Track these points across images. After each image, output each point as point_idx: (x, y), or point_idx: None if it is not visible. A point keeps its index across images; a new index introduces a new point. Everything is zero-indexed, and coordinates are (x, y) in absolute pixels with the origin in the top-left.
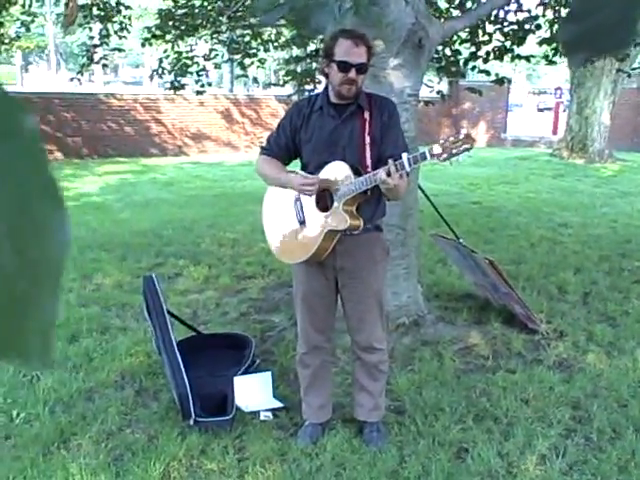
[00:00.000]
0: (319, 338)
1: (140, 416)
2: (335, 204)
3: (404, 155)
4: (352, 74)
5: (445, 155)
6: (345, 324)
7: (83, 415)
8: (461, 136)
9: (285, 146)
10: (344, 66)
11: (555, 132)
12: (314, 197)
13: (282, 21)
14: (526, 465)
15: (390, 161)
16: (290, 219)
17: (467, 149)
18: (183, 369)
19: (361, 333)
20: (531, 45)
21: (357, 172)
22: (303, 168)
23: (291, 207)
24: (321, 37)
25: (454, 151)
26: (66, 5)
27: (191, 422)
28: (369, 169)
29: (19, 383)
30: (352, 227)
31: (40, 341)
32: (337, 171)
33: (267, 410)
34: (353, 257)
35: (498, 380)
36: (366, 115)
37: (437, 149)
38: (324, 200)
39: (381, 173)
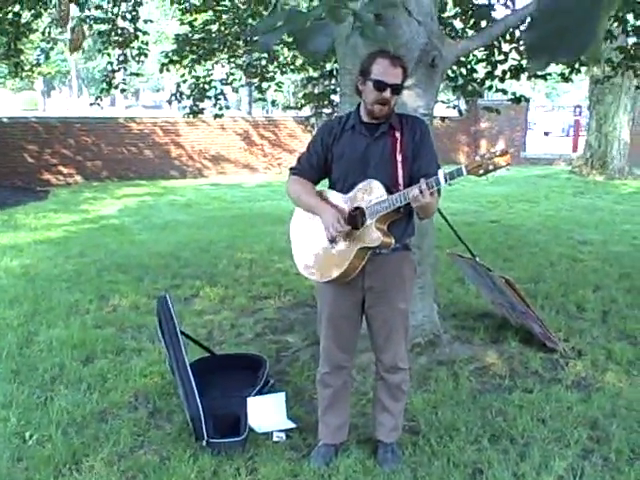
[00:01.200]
0: (343, 357)
1: (153, 437)
2: (368, 221)
3: (440, 171)
4: (387, 94)
5: (481, 171)
6: (362, 344)
7: (96, 436)
8: (497, 152)
9: (317, 165)
10: (380, 85)
11: (575, 149)
12: (345, 214)
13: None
14: None
15: (422, 179)
16: (320, 237)
17: (504, 165)
18: (196, 390)
19: (387, 352)
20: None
21: (389, 190)
22: (332, 186)
23: (321, 225)
24: (335, 59)
25: (490, 167)
26: (72, 30)
27: (204, 443)
28: (401, 187)
29: (33, 404)
30: (384, 245)
31: None
32: (370, 189)
33: (280, 431)
34: (382, 276)
35: (515, 399)
36: (397, 134)
37: (474, 165)
38: (355, 217)
39: (414, 190)
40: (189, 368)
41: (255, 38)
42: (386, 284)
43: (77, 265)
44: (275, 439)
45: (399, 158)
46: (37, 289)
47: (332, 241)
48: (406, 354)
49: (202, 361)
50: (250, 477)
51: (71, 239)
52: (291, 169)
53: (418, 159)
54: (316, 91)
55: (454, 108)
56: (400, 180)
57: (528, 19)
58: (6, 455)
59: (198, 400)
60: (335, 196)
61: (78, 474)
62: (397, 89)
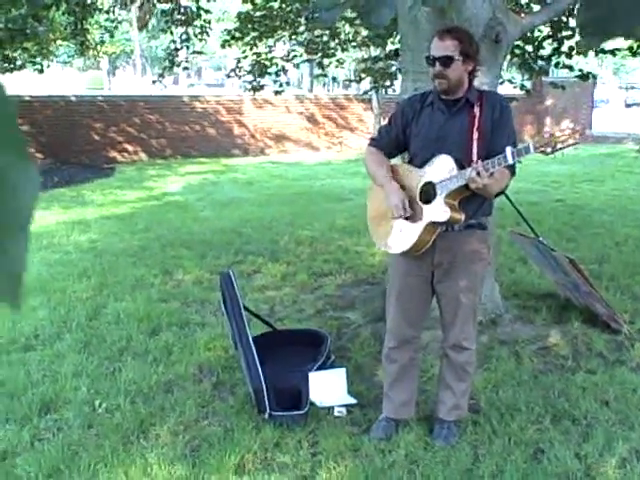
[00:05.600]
0: (410, 332)
1: (217, 409)
2: (437, 197)
3: (508, 148)
4: (437, 68)
5: (549, 149)
6: (426, 321)
7: (162, 406)
8: (567, 130)
9: (395, 138)
10: (430, 60)
11: None
12: (418, 188)
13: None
14: (605, 468)
15: (479, 161)
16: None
17: (573, 143)
18: (258, 364)
19: (452, 330)
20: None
21: (462, 166)
22: (410, 161)
23: None
24: (398, 37)
25: (559, 145)
26: (139, 9)
27: (266, 416)
28: (474, 164)
29: (102, 375)
30: (452, 220)
31: (8, 286)
32: (441, 164)
33: (341, 406)
34: (452, 253)
35: (577, 381)
36: (476, 110)
37: (542, 142)
38: (427, 192)
39: (470, 172)
40: (252, 342)
41: (316, 15)
42: (456, 261)
43: (142, 240)
44: (336, 414)
45: (475, 135)
46: (104, 263)
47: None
48: (473, 334)
49: (264, 336)
50: (312, 450)
51: (136, 215)
52: (370, 139)
53: (495, 136)
54: (376, 67)
55: (521, 89)
56: (474, 157)
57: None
58: (77, 422)
59: (261, 373)
60: (409, 170)
61: (145, 442)
62: (446, 62)
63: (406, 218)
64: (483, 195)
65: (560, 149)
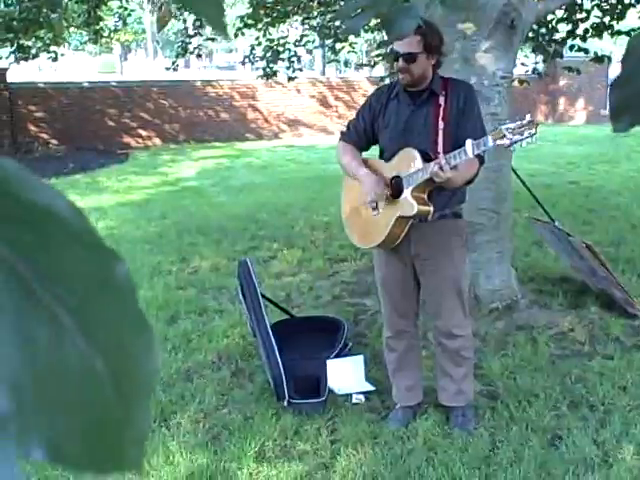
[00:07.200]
0: (402, 322)
1: (236, 396)
2: (405, 191)
3: (468, 141)
4: (400, 63)
5: (508, 141)
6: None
7: (182, 395)
8: (525, 121)
9: (364, 132)
10: (394, 55)
11: None
12: (387, 182)
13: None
14: (623, 454)
15: (441, 155)
16: (365, 204)
17: (530, 135)
18: (277, 351)
19: (440, 319)
20: (632, 19)
21: (429, 158)
22: (380, 154)
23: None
24: None
25: (516, 137)
26: (159, 8)
27: (285, 403)
28: (440, 155)
29: None
30: (421, 213)
31: (135, 452)
32: (406, 157)
33: (359, 393)
34: (428, 244)
35: (595, 366)
36: (441, 100)
37: (499, 135)
38: (396, 186)
39: (433, 166)
40: (270, 331)
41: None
42: (432, 252)
43: (158, 227)
44: (354, 401)
45: (441, 125)
46: (122, 250)
47: (374, 208)
48: (464, 321)
49: (282, 323)
50: (331, 437)
51: (152, 201)
52: (341, 133)
53: (462, 125)
54: (389, 51)
55: (533, 72)
56: (440, 148)
57: (614, 78)
58: None
59: (279, 362)
60: (379, 164)
61: (167, 430)
62: (409, 58)
63: (375, 210)
64: (449, 187)
65: (517, 141)
